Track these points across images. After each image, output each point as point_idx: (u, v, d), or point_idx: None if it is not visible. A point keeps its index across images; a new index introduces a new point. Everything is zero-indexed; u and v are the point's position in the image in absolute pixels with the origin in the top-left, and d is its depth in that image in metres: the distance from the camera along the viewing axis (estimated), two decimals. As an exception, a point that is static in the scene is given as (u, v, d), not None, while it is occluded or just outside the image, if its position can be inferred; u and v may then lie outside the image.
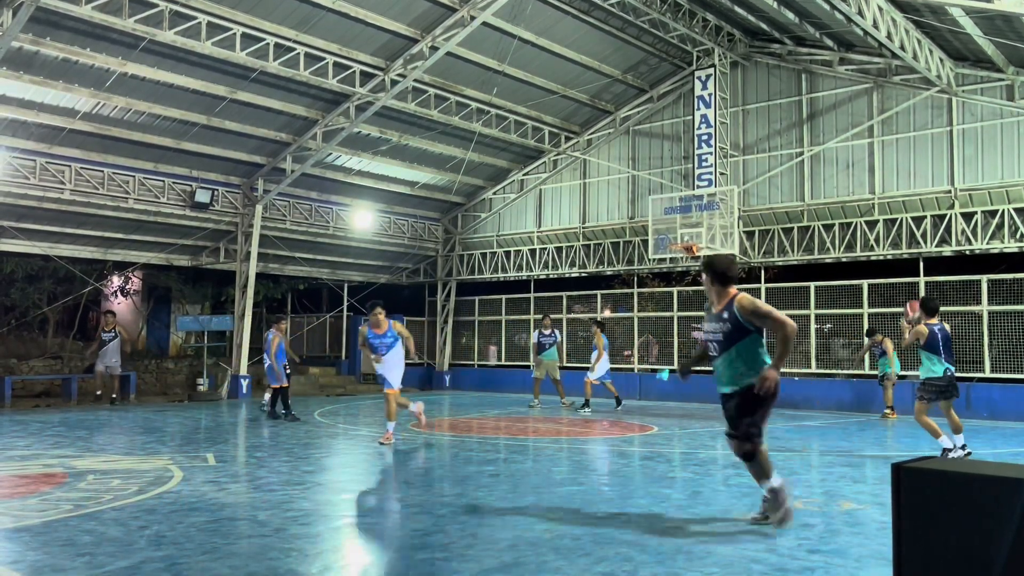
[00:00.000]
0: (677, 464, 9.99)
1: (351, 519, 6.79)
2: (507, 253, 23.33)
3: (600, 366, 16.85)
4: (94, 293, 23.48)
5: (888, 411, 15.84)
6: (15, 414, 14.91)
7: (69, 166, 16.43)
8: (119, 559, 5.20)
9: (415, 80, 17.05)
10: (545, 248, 22.56)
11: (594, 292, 22.39)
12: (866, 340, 16.76)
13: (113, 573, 4.89)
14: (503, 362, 23.55)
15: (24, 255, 18.86)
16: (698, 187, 18.74)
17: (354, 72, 16.41)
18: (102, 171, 16.93)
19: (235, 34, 14.49)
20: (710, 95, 18.85)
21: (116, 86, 15.03)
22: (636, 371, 20.93)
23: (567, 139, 21.56)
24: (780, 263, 19.16)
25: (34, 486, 7.90)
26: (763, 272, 19.18)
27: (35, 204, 16.13)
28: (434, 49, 16.13)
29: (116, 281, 24.39)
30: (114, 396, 17.35)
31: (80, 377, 18.50)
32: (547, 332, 17.65)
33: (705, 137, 18.91)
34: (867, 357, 17.10)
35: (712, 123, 18.79)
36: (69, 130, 15.66)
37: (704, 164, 18.88)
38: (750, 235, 18.97)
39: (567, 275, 22.31)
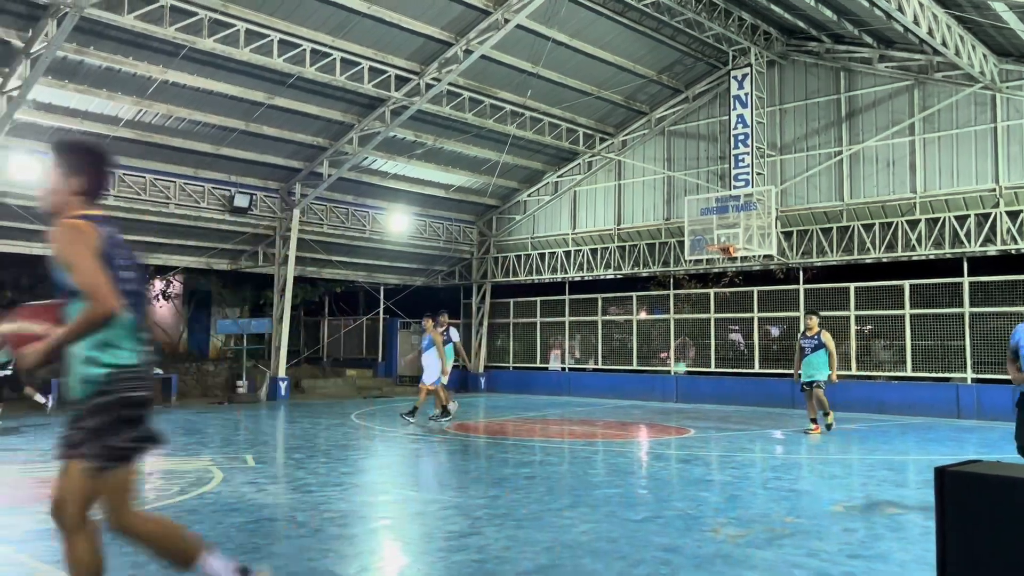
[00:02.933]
0: (714, 467, 9.90)
1: (388, 521, 6.83)
2: (541, 255, 23.31)
3: (436, 368, 14.21)
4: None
5: (814, 426, 13.04)
6: (64, 415, 15.25)
7: (113, 172, 16.79)
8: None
9: (449, 83, 17.12)
10: (580, 250, 22.50)
11: (629, 294, 22.29)
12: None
13: (155, 572, 4.97)
14: (567, 365, 23.51)
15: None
16: (735, 187, 18.57)
17: (389, 76, 16.53)
18: (144, 177, 17.27)
19: (272, 40, 14.68)
20: (746, 95, 18.67)
21: (157, 93, 15.32)
22: (673, 373, 20.79)
23: (601, 140, 21.50)
24: (819, 264, 18.90)
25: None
26: (801, 273, 18.93)
27: (80, 210, 16.45)
28: (468, 52, 16.18)
29: (158, 285, 24.83)
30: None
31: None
32: (442, 329, 14.82)
33: (741, 137, 18.73)
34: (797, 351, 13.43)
35: (748, 123, 18.61)
36: (112, 137, 16.00)
37: (741, 164, 18.69)
38: (788, 235, 18.73)
39: (602, 277, 22.23)
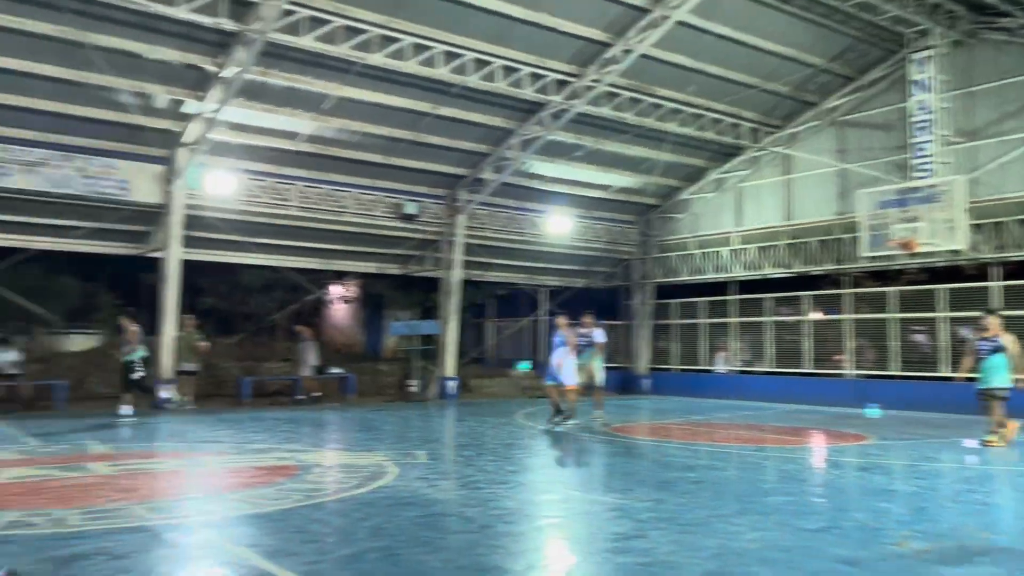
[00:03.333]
0: (898, 476, 9.29)
1: (554, 520, 6.91)
2: (705, 254, 22.75)
3: (571, 367, 13.62)
4: (318, 300, 25.58)
5: (1005, 430, 11.36)
6: (253, 411, 16.49)
7: (294, 185, 18.00)
8: (343, 547, 5.62)
9: (608, 84, 17.08)
10: (746, 248, 21.77)
11: (801, 293, 21.30)
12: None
13: (338, 560, 5.29)
14: (734, 368, 22.97)
15: (259, 267, 20.86)
16: (916, 178, 17.34)
17: (549, 80, 16.71)
18: (322, 188, 18.39)
19: (437, 52, 15.21)
20: (928, 78, 17.39)
21: (333, 109, 16.25)
22: (850, 377, 19.69)
23: (768, 134, 20.70)
24: (1016, 258, 17.26)
25: (269, 477, 8.71)
26: (996, 269, 17.36)
27: (267, 220, 17.78)
28: (627, 52, 16.06)
29: (336, 289, 26.38)
30: (301, 396, 18.67)
31: (312, 378, 20.04)
32: (584, 331, 14.55)
33: (923, 124, 17.47)
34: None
35: (931, 109, 17.33)
36: (294, 152, 17.14)
37: (922, 153, 17.45)
38: (979, 228, 17.24)
39: (770, 275, 21.39)
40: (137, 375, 14.60)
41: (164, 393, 14.51)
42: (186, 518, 6.67)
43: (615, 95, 17.76)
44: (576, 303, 24.31)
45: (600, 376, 14.63)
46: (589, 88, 16.86)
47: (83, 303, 21.96)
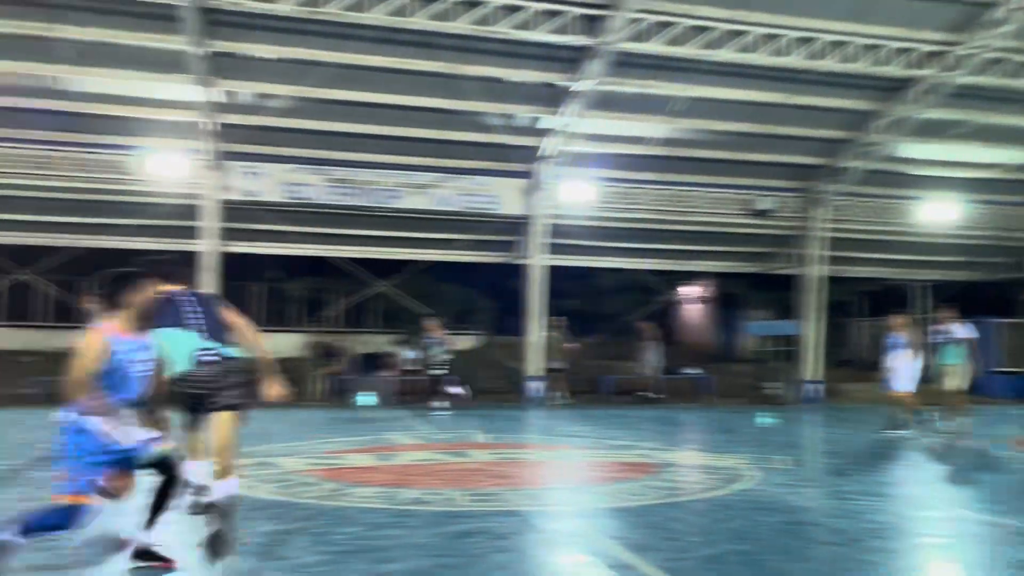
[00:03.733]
0: None
1: (936, 539, 6.23)
2: None
3: (907, 373, 12.13)
4: (671, 300, 25.89)
5: None
6: (611, 408, 17.13)
7: (645, 188, 18.40)
8: (703, 547, 5.63)
9: (995, 49, 14.96)
10: None
11: None
12: None
13: (699, 559, 5.31)
14: None
15: (614, 270, 21.67)
16: None
17: (917, 53, 15.12)
18: (671, 189, 18.56)
19: (789, 39, 14.56)
20: None
21: (682, 109, 16.28)
22: None
23: None
24: None
25: (629, 473, 9.00)
26: None
27: (620, 224, 18.40)
28: (1019, 10, 13.93)
29: (690, 289, 26.45)
30: (644, 393, 18.65)
31: (665, 378, 20.30)
32: (941, 327, 12.56)
33: None
34: None
35: None
36: (644, 156, 17.53)
37: None
38: None
39: None
40: (438, 372, 15.83)
41: (455, 388, 15.90)
42: (555, 506, 7.17)
43: (1003, 60, 15.49)
44: (961, 298, 21.65)
45: (965, 379, 12.59)
46: (969, 56, 14.94)
47: (465, 307, 24.56)
